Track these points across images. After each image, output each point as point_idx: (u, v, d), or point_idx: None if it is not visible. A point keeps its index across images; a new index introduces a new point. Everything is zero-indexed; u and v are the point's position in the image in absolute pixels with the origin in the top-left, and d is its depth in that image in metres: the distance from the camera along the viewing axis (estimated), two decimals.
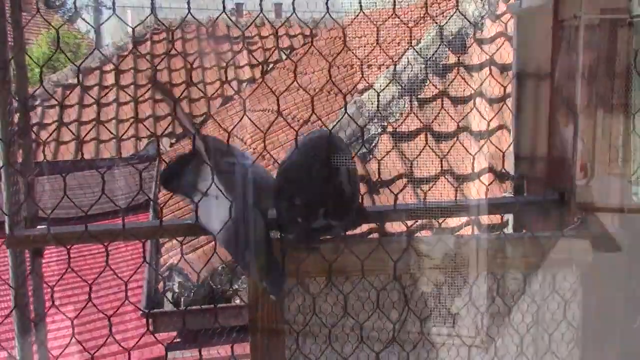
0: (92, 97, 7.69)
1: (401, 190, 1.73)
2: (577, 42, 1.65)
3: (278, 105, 1.52)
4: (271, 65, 8.12)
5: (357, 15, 1.48)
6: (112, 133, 7.37)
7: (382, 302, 1.55)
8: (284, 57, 8.42)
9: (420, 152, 1.74)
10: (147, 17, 1.46)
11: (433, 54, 3.54)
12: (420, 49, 3.77)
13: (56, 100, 7.51)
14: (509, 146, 1.89)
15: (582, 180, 1.67)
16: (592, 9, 1.66)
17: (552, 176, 1.78)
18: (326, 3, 1.34)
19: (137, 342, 1.69)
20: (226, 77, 8.21)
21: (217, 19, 8.13)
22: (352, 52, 2.10)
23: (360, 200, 1.67)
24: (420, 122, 3.40)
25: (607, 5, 1.70)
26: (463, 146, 1.82)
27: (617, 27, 1.70)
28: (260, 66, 8.42)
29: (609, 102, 1.73)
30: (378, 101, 3.71)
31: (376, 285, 1.56)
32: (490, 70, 3.68)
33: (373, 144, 3.90)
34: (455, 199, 1.65)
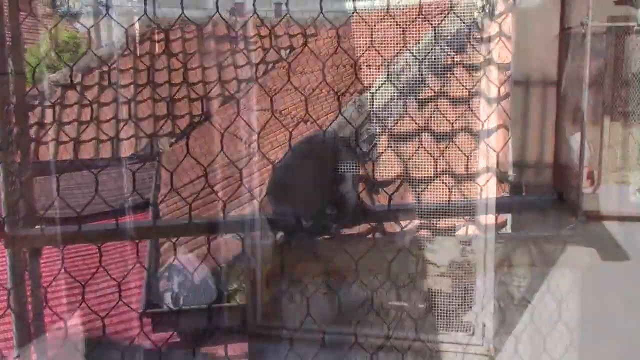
0: (86, 98, 7.66)
1: (396, 190, 1.73)
2: (583, 50, 1.64)
3: (272, 105, 1.53)
4: (271, 65, 8.11)
5: (352, 15, 1.48)
6: (106, 134, 7.35)
7: (379, 303, 1.55)
8: (284, 56, 8.40)
9: (415, 151, 1.74)
10: (140, 17, 1.46)
11: (429, 54, 3.53)
12: (419, 49, 3.76)
13: (50, 101, 7.48)
14: (506, 143, 1.89)
15: (588, 188, 1.67)
16: (599, 17, 1.66)
17: (555, 180, 1.77)
18: (320, 3, 1.34)
19: (129, 343, 1.70)
20: (220, 78, 8.19)
21: (211, 18, 8.11)
22: (347, 53, 2.11)
23: (359, 200, 1.67)
24: (416, 123, 3.40)
25: (614, 13, 1.70)
26: (458, 148, 1.82)
27: (624, 35, 1.70)
28: (257, 66, 8.40)
29: (615, 110, 1.73)
30: (373, 101, 3.71)
31: (373, 285, 1.55)
32: (490, 70, 3.67)
33: (373, 144, 3.89)
34: (455, 200, 1.65)
